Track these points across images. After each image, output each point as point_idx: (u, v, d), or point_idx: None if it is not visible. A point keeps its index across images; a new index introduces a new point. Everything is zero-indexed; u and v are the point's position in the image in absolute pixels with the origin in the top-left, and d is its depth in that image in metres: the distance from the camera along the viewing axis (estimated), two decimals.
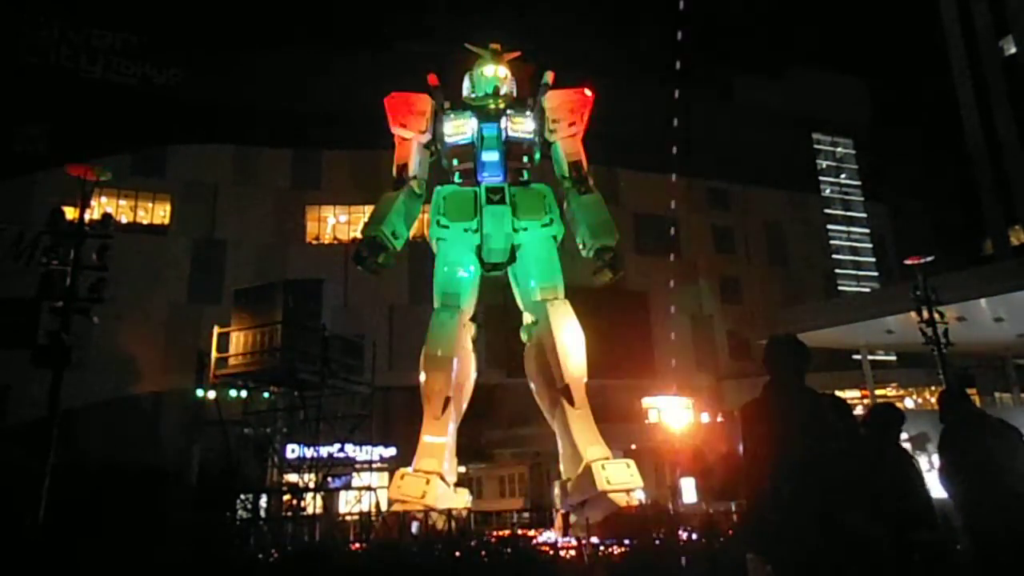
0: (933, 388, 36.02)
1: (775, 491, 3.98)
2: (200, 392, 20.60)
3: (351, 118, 38.44)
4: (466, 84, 17.17)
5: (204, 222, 42.64)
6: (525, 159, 16.25)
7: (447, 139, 16.15)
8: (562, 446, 15.02)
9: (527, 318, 16.10)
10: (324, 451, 19.93)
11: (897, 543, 4.56)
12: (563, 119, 16.38)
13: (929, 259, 23.54)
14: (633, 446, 35.57)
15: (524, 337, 16.21)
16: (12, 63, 40.40)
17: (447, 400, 14.70)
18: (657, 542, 10.00)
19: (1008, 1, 48.69)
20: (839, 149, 60.39)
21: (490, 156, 15.95)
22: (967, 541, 5.14)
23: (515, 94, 16.96)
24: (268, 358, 17.56)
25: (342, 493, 24.20)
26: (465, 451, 21.57)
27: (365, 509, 19.59)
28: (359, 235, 17.58)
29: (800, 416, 4.07)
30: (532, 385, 15.84)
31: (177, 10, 45.09)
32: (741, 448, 4.30)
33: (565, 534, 13.45)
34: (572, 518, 13.68)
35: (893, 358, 47.23)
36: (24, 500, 12.58)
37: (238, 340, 18.11)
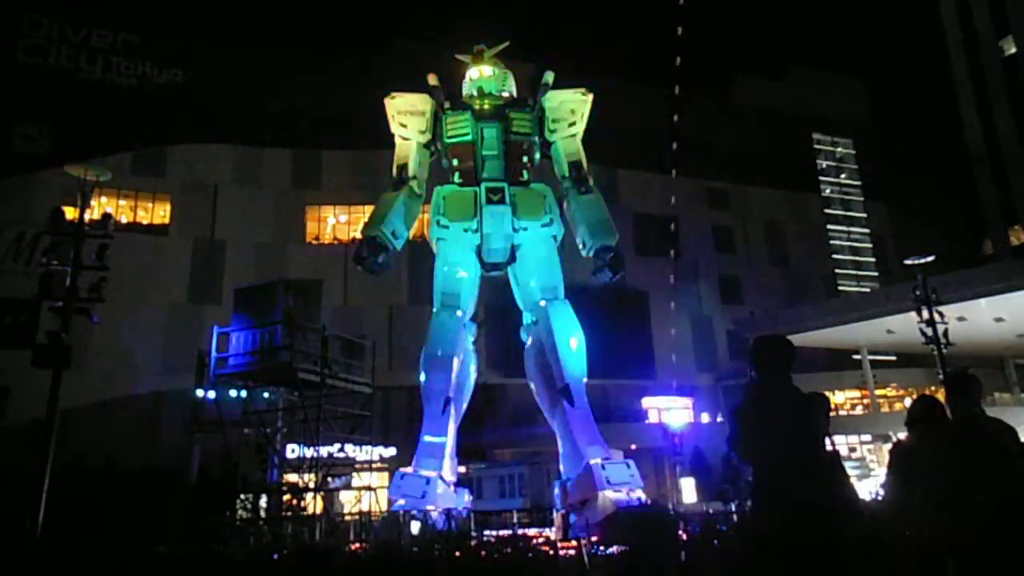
0: (933, 388, 36.00)
1: (761, 485, 4.06)
2: (200, 392, 20.59)
3: (351, 118, 38.48)
4: (464, 85, 17.26)
5: (204, 222, 42.61)
6: (525, 159, 16.25)
7: (447, 139, 16.14)
8: (562, 446, 15.02)
9: (527, 318, 16.09)
10: (324, 451, 19.91)
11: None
12: (563, 119, 16.39)
13: (929, 259, 23.51)
14: (633, 446, 35.62)
15: (524, 337, 16.21)
16: (12, 63, 40.40)
17: (447, 400, 14.70)
18: (657, 542, 10.00)
19: (1008, 1, 48.67)
20: (839, 149, 60.37)
21: (490, 156, 15.95)
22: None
23: (512, 89, 16.98)
24: (268, 358, 17.57)
25: (342, 493, 24.18)
26: (465, 451, 21.56)
27: (365, 509, 19.60)
28: (359, 235, 17.55)
29: (783, 412, 4.13)
30: (532, 385, 15.82)
31: (177, 10, 45.08)
32: (734, 447, 4.37)
33: (565, 534, 13.43)
34: (572, 518, 13.66)
35: (893, 358, 47.22)
36: (24, 500, 12.59)
37: (238, 340, 18.12)
